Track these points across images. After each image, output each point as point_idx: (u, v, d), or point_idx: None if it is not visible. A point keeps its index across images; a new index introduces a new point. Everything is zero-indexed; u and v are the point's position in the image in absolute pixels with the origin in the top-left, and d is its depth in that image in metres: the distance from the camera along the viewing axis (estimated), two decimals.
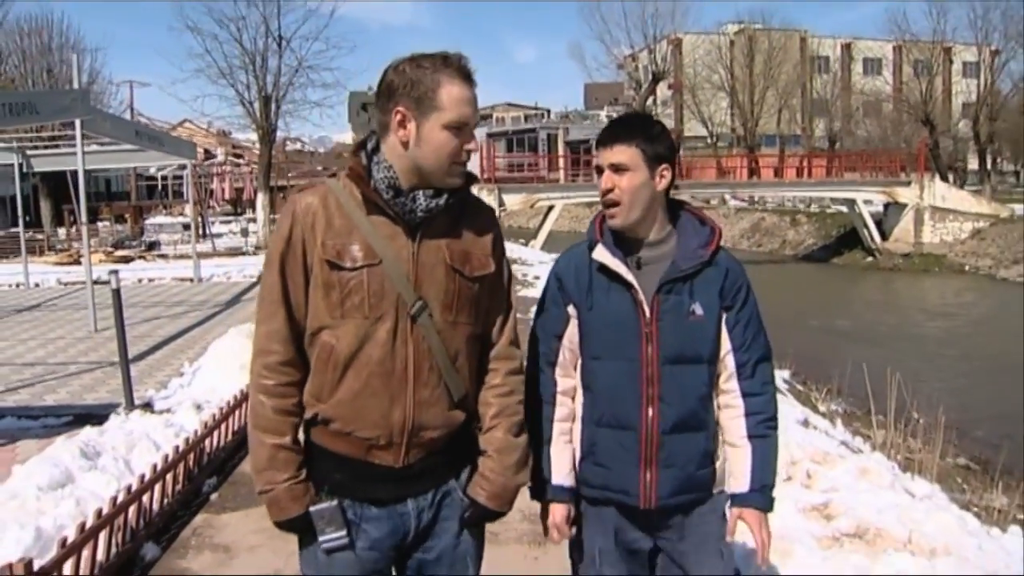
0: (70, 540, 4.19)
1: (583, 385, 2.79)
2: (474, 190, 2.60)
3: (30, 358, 10.96)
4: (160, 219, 38.45)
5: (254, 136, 41.12)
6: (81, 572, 4.24)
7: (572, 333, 2.78)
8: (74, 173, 29.30)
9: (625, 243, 2.74)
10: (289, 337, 2.43)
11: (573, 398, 2.82)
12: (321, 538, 2.43)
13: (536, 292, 16.45)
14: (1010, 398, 16.46)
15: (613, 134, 2.72)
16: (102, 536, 4.48)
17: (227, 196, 51.45)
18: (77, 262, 23.18)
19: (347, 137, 73.87)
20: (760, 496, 2.75)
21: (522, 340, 2.65)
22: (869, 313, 28.22)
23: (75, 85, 12.27)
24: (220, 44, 32.10)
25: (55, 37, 40.60)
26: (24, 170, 19.39)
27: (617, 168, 2.68)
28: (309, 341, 2.44)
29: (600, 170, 2.72)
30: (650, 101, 64.20)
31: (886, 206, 42.14)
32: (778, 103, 62.09)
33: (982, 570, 4.44)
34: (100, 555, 4.46)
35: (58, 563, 4.05)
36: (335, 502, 2.43)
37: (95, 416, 7.51)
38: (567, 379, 2.81)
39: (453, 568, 2.56)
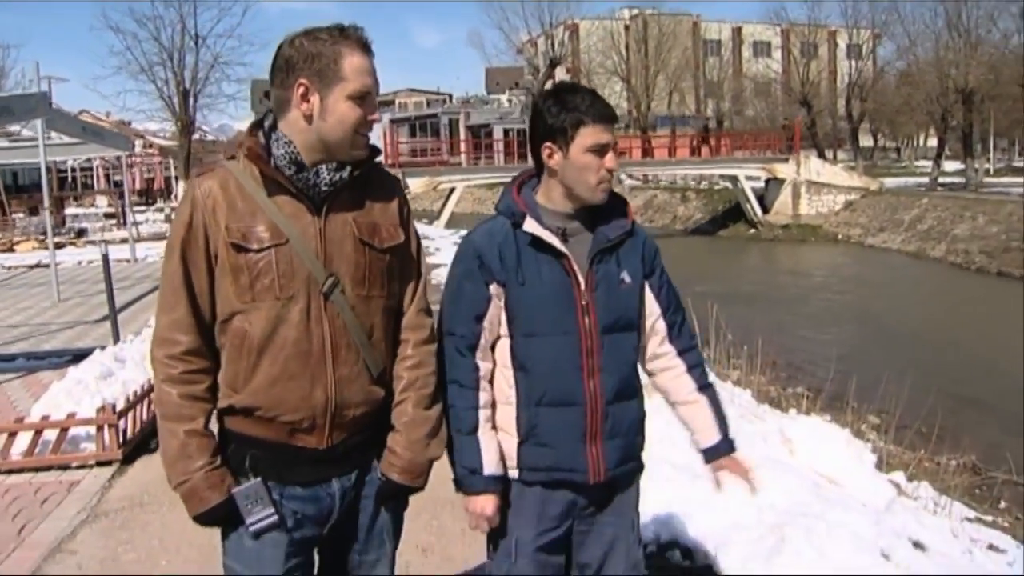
0: (131, 399, 6.47)
1: (516, 366, 2.70)
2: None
3: (12, 321, 12.88)
4: (73, 210, 39.32)
5: (154, 126, 42.91)
6: (138, 423, 6.52)
7: (494, 313, 2.68)
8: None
9: (548, 216, 2.71)
10: (194, 325, 2.36)
11: (491, 382, 2.73)
12: (248, 519, 2.36)
13: (439, 259, 18.40)
14: (850, 341, 19.04)
15: (613, 114, 2.71)
16: (145, 402, 6.71)
17: (138, 186, 52.46)
18: (11, 249, 24.94)
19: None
20: (731, 441, 2.88)
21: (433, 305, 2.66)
22: (745, 278, 30.71)
23: (33, 89, 14.01)
24: (139, 42, 34.21)
25: None
26: None
27: (614, 147, 2.70)
28: (220, 329, 2.38)
29: (607, 148, 2.65)
30: (548, 85, 66.29)
31: (767, 181, 44.70)
32: (668, 86, 64.87)
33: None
34: (144, 416, 6.70)
35: (125, 411, 6.38)
36: (258, 479, 2.38)
37: (84, 359, 9.45)
38: (486, 362, 2.71)
39: (369, 544, 2.57)
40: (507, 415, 2.71)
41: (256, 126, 2.44)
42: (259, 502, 2.36)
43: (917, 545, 4.85)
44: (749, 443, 5.89)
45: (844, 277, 31.58)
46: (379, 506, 2.55)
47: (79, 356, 9.41)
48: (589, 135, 2.62)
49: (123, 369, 7.80)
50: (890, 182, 46.73)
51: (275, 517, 2.37)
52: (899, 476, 6.53)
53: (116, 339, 9.91)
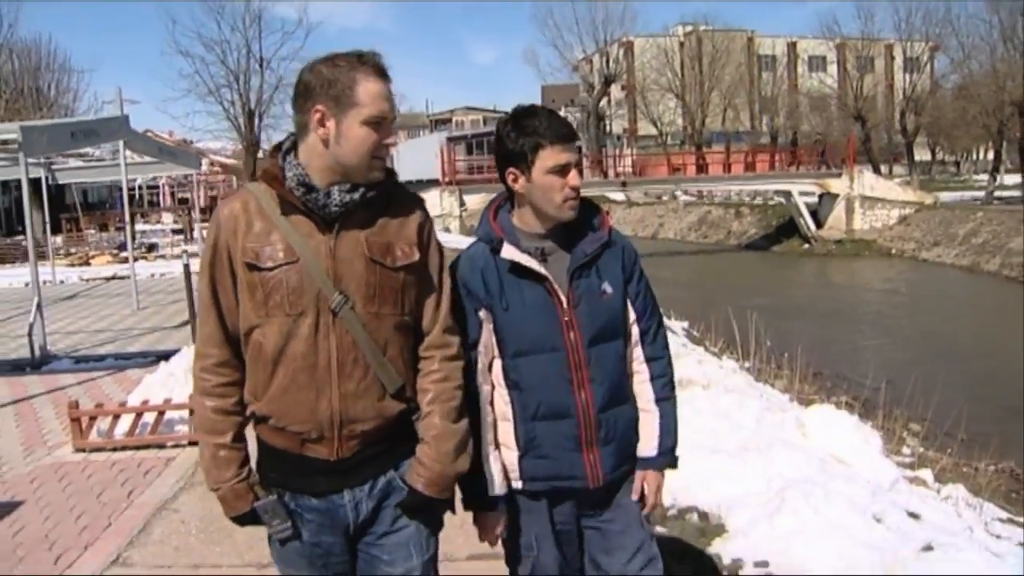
0: None
1: (509, 385, 2.78)
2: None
3: (97, 327, 13.93)
4: (141, 226, 40.76)
5: (216, 144, 44.78)
6: None
7: (486, 337, 2.76)
8: (75, 185, 32.65)
9: (525, 238, 2.78)
10: (223, 339, 2.50)
11: (492, 403, 2.81)
12: (269, 530, 2.56)
13: None
14: (899, 353, 19.36)
15: (572, 132, 2.76)
16: None
17: (202, 203, 54.19)
18: (87, 263, 26.33)
19: None
20: (665, 459, 2.93)
21: None
22: (797, 292, 31.18)
23: (112, 113, 15.03)
24: (207, 66, 36.00)
25: (43, 58, 43.28)
26: (49, 182, 22.06)
27: (577, 165, 2.76)
28: (244, 342, 2.49)
29: (568, 167, 2.71)
30: (603, 102, 67.11)
31: (821, 196, 44.51)
32: (723, 102, 65.07)
33: (742, 393, 7.60)
34: None
35: None
36: (274, 496, 2.53)
37: (172, 356, 10.30)
38: (486, 385, 2.80)
39: (394, 554, 2.60)
40: (507, 430, 2.80)
41: (277, 149, 2.57)
42: (277, 516, 2.53)
43: (912, 515, 5.44)
44: (767, 429, 6.57)
45: (896, 291, 31.67)
46: (398, 516, 2.59)
47: (162, 356, 10.23)
48: (549, 157, 2.69)
49: None
50: (946, 196, 46.31)
51: (291, 530, 2.54)
52: (926, 473, 6.95)
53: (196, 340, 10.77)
